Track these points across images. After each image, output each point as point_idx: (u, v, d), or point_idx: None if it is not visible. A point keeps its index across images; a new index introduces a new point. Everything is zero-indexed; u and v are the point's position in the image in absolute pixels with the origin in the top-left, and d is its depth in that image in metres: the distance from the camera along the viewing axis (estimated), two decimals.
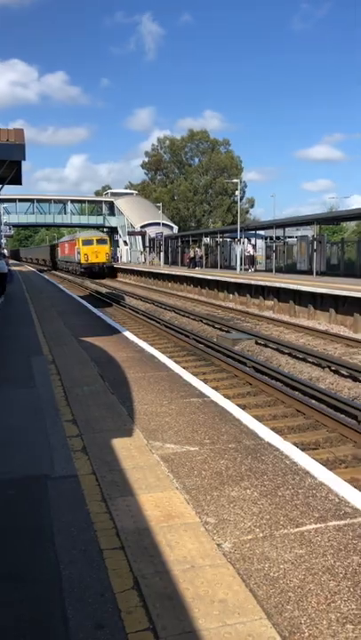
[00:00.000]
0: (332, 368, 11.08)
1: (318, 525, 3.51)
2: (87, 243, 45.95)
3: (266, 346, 13.72)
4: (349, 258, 28.84)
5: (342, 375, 10.67)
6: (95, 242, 46.15)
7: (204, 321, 18.54)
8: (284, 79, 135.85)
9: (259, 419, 6.41)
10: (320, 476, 4.27)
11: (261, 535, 3.40)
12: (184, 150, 76.84)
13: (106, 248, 46.86)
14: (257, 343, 14.07)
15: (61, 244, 58.20)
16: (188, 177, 74.97)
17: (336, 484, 4.15)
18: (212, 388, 7.59)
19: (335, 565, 3.07)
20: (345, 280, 21.75)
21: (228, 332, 16.02)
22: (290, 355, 12.65)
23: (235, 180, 47.96)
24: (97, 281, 41.96)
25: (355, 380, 10.25)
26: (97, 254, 45.43)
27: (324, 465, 4.76)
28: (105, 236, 49.99)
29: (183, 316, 20.37)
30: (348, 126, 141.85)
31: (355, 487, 4.26)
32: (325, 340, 14.85)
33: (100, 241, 46.91)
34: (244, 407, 7.50)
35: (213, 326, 17.43)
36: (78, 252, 46.11)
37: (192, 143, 76.50)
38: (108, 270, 46.84)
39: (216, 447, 4.91)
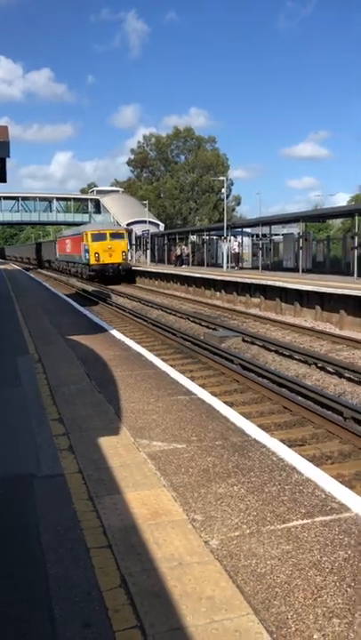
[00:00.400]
0: (319, 365, 11.14)
1: (305, 521, 3.53)
2: (98, 237, 35.63)
3: (253, 343, 13.76)
4: (335, 255, 29.06)
5: (328, 372, 10.73)
6: (108, 236, 35.79)
7: (191, 319, 18.55)
8: (269, 76, 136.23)
9: (246, 416, 6.44)
10: (307, 473, 4.29)
11: (248, 531, 3.41)
12: (170, 148, 76.83)
13: (122, 244, 36.37)
14: (244, 341, 14.11)
15: (60, 241, 47.68)
16: (175, 174, 74.95)
17: (322, 479, 4.18)
18: (200, 385, 7.60)
19: (322, 560, 3.09)
20: (331, 277, 21.90)
21: (215, 329, 16.04)
22: (276, 352, 12.70)
23: (221, 178, 48.10)
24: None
25: (341, 376, 10.33)
26: (111, 253, 35.08)
27: (310, 461, 4.79)
28: (121, 229, 38.88)
29: (170, 313, 20.36)
30: (334, 124, 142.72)
31: (341, 483, 4.30)
32: (312, 337, 14.94)
33: (115, 235, 36.42)
34: (231, 404, 7.50)
35: (200, 324, 17.45)
36: (86, 250, 35.78)
37: (178, 141, 76.49)
38: (124, 273, 36.35)
39: (203, 444, 4.91)
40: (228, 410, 6.06)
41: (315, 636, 2.50)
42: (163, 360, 9.26)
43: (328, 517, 3.57)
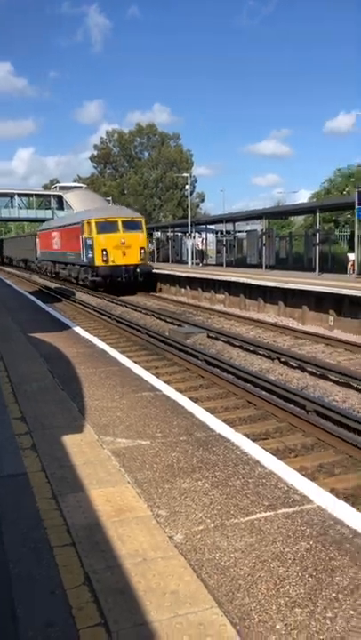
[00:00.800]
0: (282, 359, 11.29)
1: (268, 514, 3.57)
2: (106, 227, 25.30)
3: (217, 339, 13.85)
4: (297, 251, 29.50)
5: (291, 366, 10.89)
6: (121, 226, 25.42)
7: (156, 315, 18.53)
8: (232, 74, 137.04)
9: (210, 411, 6.46)
10: (270, 466, 4.35)
11: (212, 525, 3.43)
12: (133, 144, 76.46)
13: (140, 238, 25.89)
14: (209, 336, 14.17)
15: (44, 235, 36.48)
16: (138, 171, 74.64)
17: (285, 472, 4.24)
18: (164, 381, 7.59)
19: (284, 552, 3.13)
20: (293, 273, 22.20)
21: (180, 325, 16.06)
22: (241, 347, 12.81)
23: (185, 175, 48.14)
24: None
25: (303, 370, 10.49)
26: (125, 250, 24.98)
27: (273, 454, 4.85)
28: (138, 217, 27.82)
29: (135, 310, 20.29)
30: (295, 121, 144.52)
31: (303, 475, 4.37)
32: (275, 333, 15.13)
33: (130, 225, 25.88)
34: (196, 400, 7.54)
35: (165, 320, 17.44)
36: (89, 246, 25.60)
37: (141, 137, 76.18)
38: (142, 279, 25.88)
39: (168, 440, 4.91)
40: (192, 405, 6.08)
41: (277, 626, 2.53)
42: (128, 357, 9.22)
43: (291, 509, 3.62)
